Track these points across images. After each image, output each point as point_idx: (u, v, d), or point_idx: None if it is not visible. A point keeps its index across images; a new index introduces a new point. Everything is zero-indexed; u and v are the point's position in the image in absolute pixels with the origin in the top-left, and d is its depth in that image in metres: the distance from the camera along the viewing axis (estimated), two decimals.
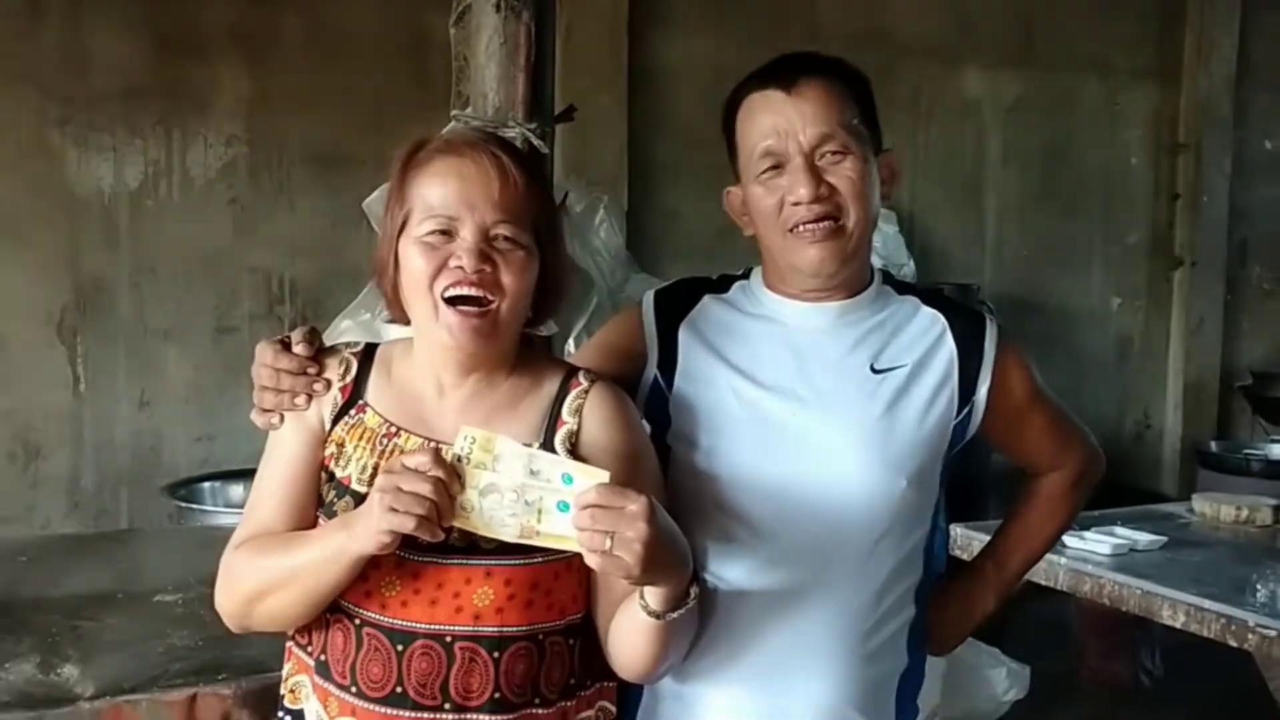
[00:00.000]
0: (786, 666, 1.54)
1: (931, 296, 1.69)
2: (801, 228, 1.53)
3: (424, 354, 1.47)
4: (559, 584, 1.43)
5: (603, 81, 4.37)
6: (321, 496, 1.45)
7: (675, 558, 1.34)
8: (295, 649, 1.50)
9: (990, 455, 3.94)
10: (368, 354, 1.51)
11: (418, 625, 1.39)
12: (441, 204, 1.39)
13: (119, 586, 2.42)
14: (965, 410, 1.62)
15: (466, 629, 1.39)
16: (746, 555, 1.52)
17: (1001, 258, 5.40)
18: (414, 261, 1.40)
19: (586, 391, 1.48)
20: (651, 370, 1.62)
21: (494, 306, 1.39)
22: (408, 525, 1.27)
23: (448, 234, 1.39)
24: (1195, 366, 5.74)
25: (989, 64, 5.28)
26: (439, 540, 1.31)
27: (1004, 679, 2.67)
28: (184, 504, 3.50)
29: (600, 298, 2.63)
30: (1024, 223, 5.42)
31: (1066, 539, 3.06)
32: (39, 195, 3.85)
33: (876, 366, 1.59)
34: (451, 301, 1.39)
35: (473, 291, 1.38)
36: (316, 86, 4.09)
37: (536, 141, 2.01)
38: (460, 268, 1.37)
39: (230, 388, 3.91)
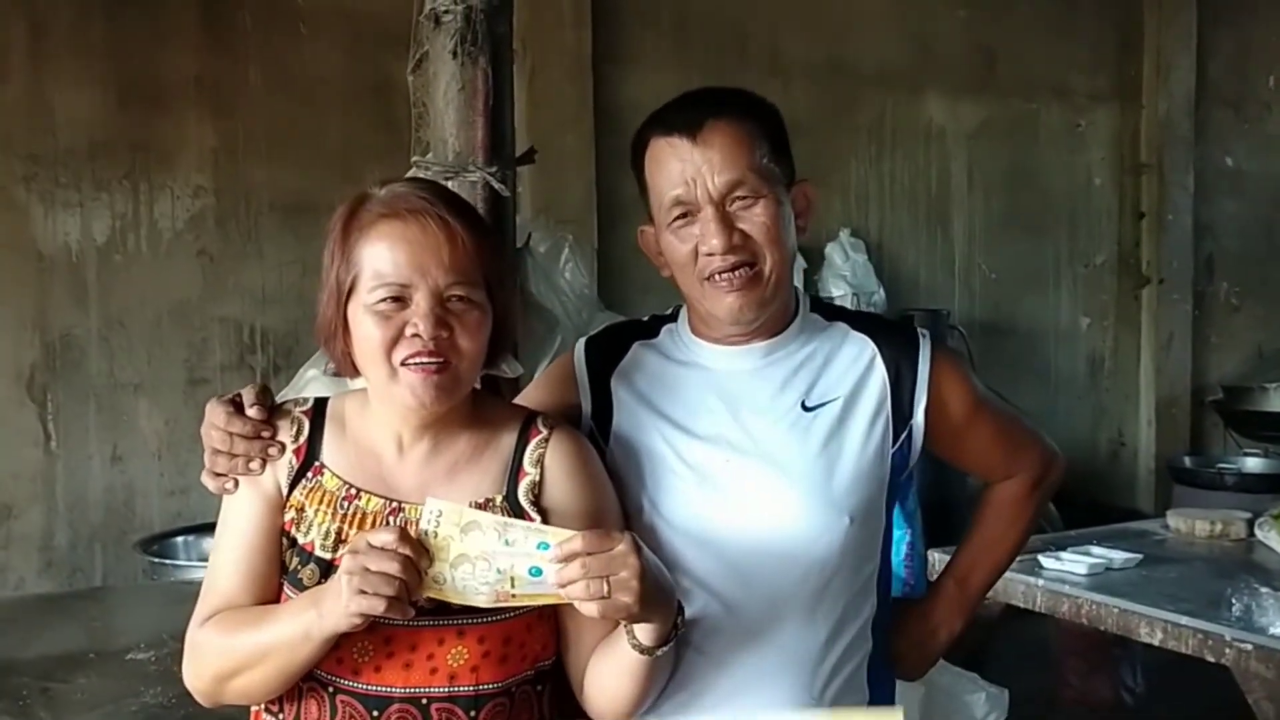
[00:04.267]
0: (747, 715, 1.51)
1: (861, 320, 1.66)
2: (717, 277, 1.51)
3: (381, 412, 1.44)
4: (532, 635, 1.42)
5: (569, 120, 4.40)
6: (285, 563, 1.42)
7: (665, 589, 1.34)
8: (266, 716, 1.46)
9: (966, 479, 3.96)
10: (318, 411, 1.48)
11: (393, 690, 1.37)
12: (393, 271, 1.36)
13: (91, 646, 2.39)
14: (903, 435, 1.60)
15: (443, 690, 1.37)
16: (695, 608, 1.48)
17: (970, 282, 5.44)
18: (369, 331, 1.37)
19: (546, 440, 1.46)
20: (586, 422, 1.60)
21: (453, 365, 1.37)
22: (378, 607, 1.25)
23: (400, 300, 1.36)
24: (1166, 383, 5.79)
25: (951, 91, 5.35)
26: (410, 619, 1.29)
27: (983, 703, 2.67)
28: (157, 559, 3.47)
29: (565, 336, 2.64)
30: (992, 246, 5.47)
31: (1043, 560, 3.07)
32: (6, 253, 3.84)
33: (808, 404, 1.56)
34: (408, 363, 1.36)
35: (431, 359, 1.36)
36: (281, 135, 4.11)
37: (498, 185, 2.01)
38: (417, 336, 1.35)
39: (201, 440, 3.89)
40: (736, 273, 1.51)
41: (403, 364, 1.36)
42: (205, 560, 3.46)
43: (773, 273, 1.52)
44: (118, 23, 3.92)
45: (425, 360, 1.36)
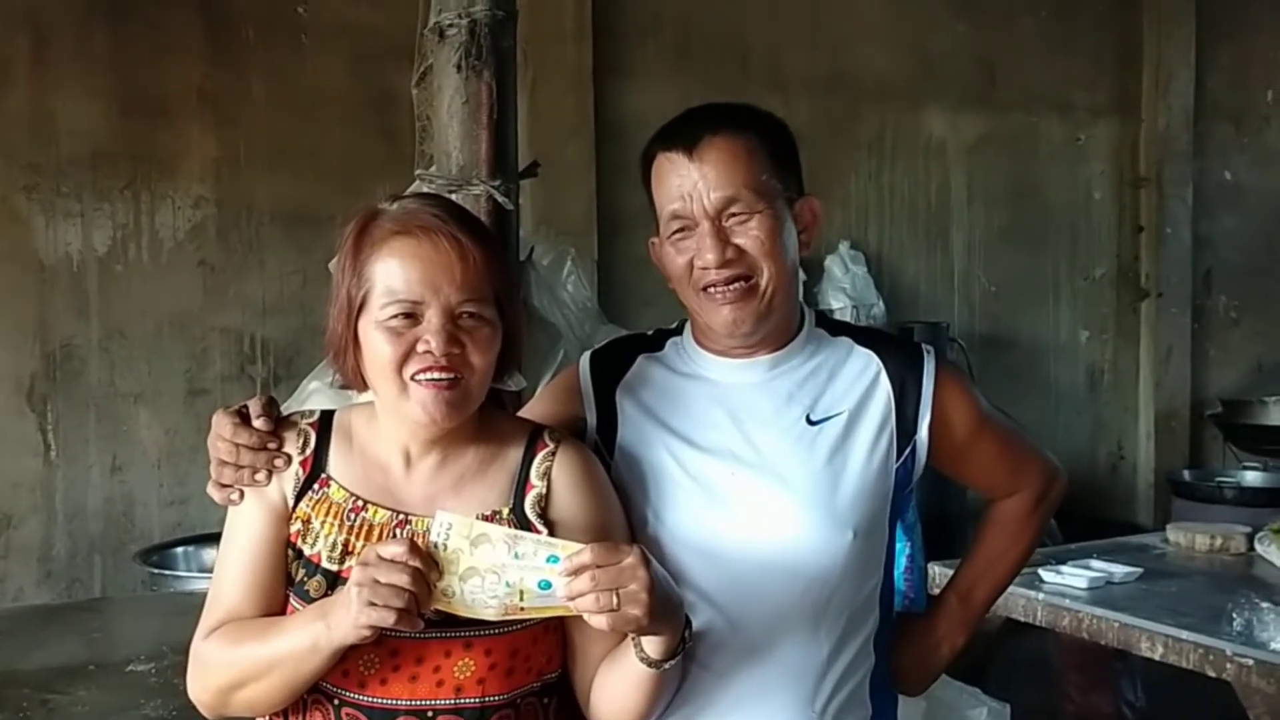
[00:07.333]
0: None
1: (866, 335, 1.67)
2: (712, 289, 1.53)
3: (389, 425, 1.45)
4: (538, 648, 1.42)
5: (570, 133, 4.40)
6: (291, 575, 1.42)
7: (674, 602, 1.34)
8: None
9: (966, 492, 3.96)
10: (325, 423, 1.48)
11: (399, 702, 1.37)
12: (405, 288, 1.37)
13: (91, 657, 2.39)
14: (907, 451, 1.60)
15: (448, 703, 1.37)
16: (698, 622, 1.47)
17: (970, 295, 5.45)
18: (379, 347, 1.38)
19: (553, 454, 1.47)
20: (591, 436, 1.61)
21: (463, 381, 1.38)
22: (388, 620, 1.24)
23: (412, 317, 1.37)
24: (1165, 396, 5.79)
25: (951, 105, 5.36)
26: (419, 630, 1.29)
27: (985, 718, 2.67)
28: (156, 570, 3.47)
29: (568, 349, 2.64)
30: (991, 260, 5.48)
31: (1043, 573, 3.07)
32: (7, 262, 3.83)
33: (813, 417, 1.57)
34: (419, 379, 1.37)
35: (443, 374, 1.37)
36: (283, 146, 4.11)
37: (501, 199, 2.02)
38: (429, 352, 1.36)
39: (203, 450, 3.84)
40: (731, 286, 1.52)
41: (413, 379, 1.37)
42: (205, 571, 3.48)
43: (769, 286, 1.53)
44: (120, 34, 3.93)
45: (437, 376, 1.36)
